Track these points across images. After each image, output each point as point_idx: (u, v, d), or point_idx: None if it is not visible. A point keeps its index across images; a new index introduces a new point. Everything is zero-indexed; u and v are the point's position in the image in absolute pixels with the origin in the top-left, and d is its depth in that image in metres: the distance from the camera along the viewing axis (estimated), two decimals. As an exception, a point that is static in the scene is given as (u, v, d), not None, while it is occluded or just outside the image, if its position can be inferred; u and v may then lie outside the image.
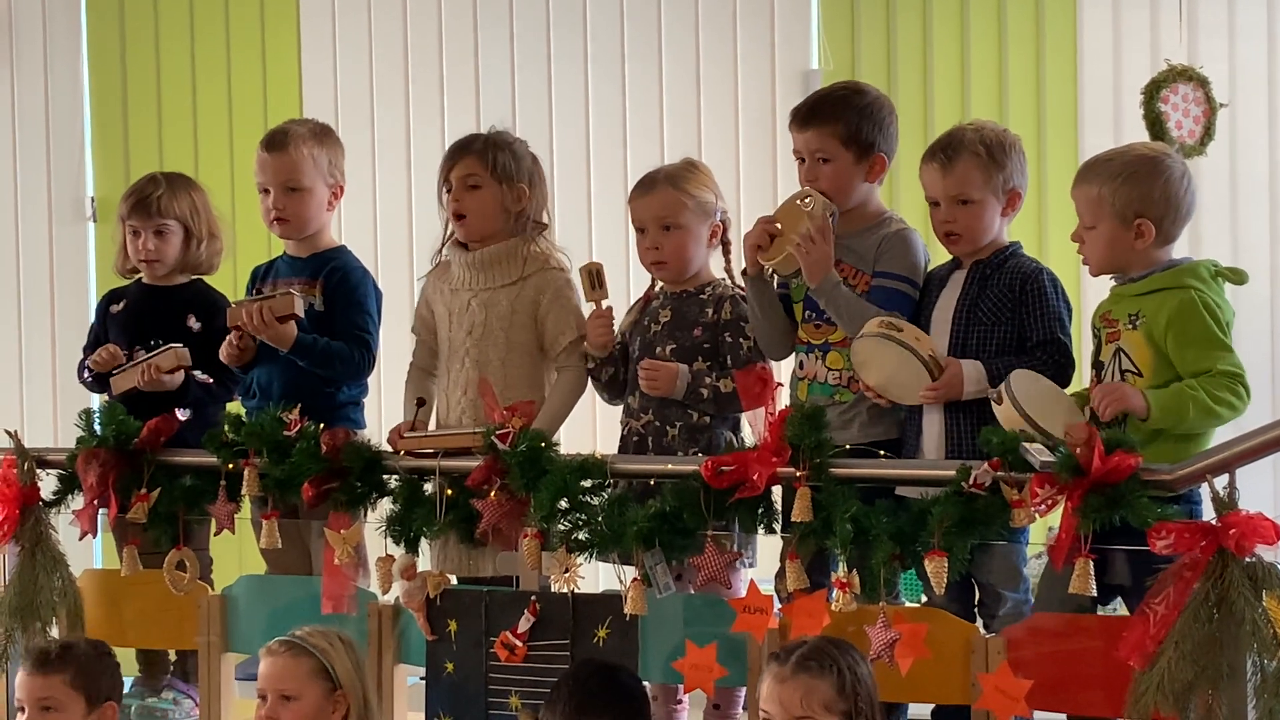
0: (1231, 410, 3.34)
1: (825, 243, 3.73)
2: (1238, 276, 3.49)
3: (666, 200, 3.98)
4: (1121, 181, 3.47)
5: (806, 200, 3.76)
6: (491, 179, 4.14)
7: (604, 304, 4.05)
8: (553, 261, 4.17)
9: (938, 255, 3.89)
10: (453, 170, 4.17)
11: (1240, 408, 3.34)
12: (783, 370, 3.97)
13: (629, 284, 4.60)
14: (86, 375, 4.61)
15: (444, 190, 4.19)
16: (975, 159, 3.68)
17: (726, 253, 4.09)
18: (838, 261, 3.79)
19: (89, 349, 4.63)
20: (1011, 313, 3.66)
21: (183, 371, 4.37)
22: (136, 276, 4.65)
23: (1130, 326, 3.45)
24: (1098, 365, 3.52)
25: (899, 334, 3.59)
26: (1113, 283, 3.58)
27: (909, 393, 3.62)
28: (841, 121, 3.82)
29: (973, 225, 3.70)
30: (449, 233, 4.25)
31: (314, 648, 3.64)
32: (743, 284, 4.00)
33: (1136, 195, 3.47)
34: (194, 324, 4.52)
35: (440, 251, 4.27)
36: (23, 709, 3.78)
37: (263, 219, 4.41)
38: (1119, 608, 3.58)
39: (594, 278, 4.04)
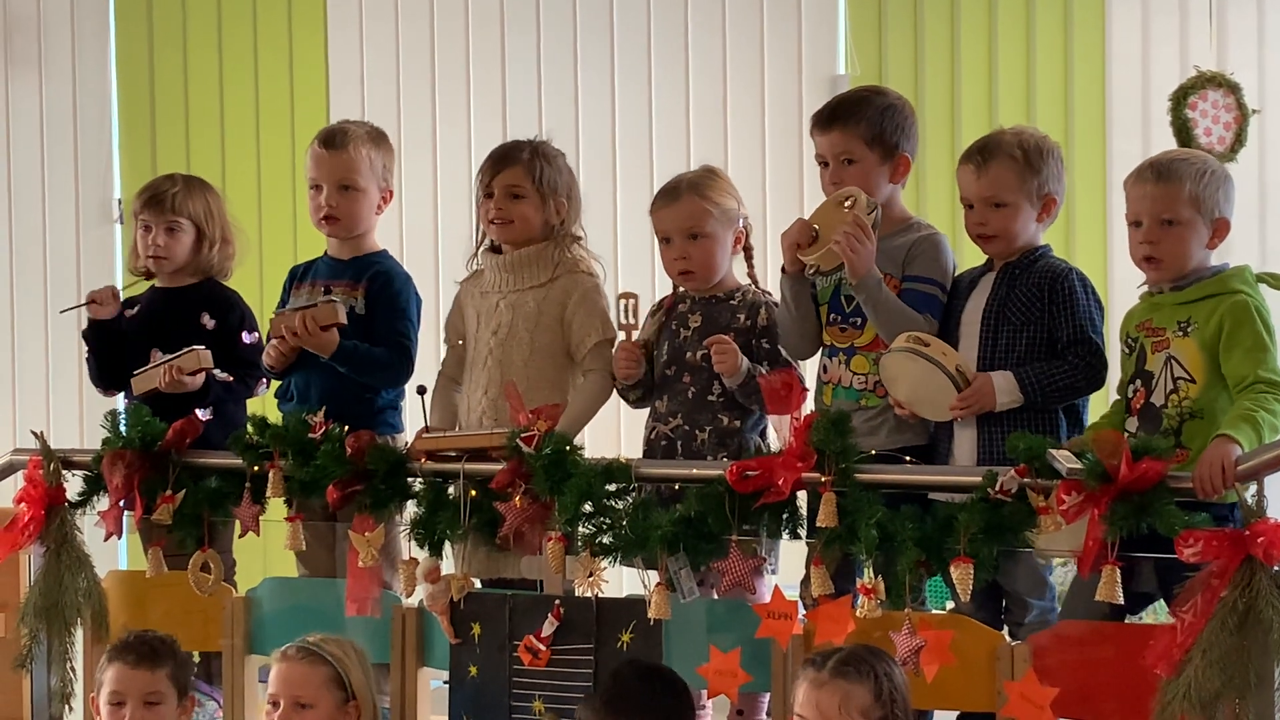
0: None
1: (870, 239, 3.70)
2: (1277, 281, 3.47)
3: (692, 210, 3.96)
4: (1208, 181, 3.44)
5: (849, 201, 3.73)
6: (535, 191, 4.11)
7: (634, 335, 4.02)
8: (583, 266, 4.14)
9: (965, 259, 3.87)
10: (495, 178, 4.13)
11: None
12: (806, 374, 3.96)
13: (654, 288, 4.59)
14: (94, 367, 4.62)
15: (485, 196, 4.15)
16: (1011, 162, 3.65)
17: (749, 258, 4.08)
18: (867, 264, 3.78)
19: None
20: (1041, 313, 3.62)
21: (203, 373, 4.37)
22: (151, 282, 4.65)
23: (1181, 334, 3.41)
24: (1145, 375, 3.46)
25: (925, 349, 3.56)
26: (1144, 289, 3.56)
27: (938, 408, 3.59)
28: (865, 122, 3.82)
29: (1006, 227, 3.67)
30: (482, 239, 4.22)
31: (330, 656, 3.64)
32: (767, 289, 3.99)
33: (1222, 195, 3.46)
34: (208, 322, 4.52)
35: (475, 256, 4.25)
36: (121, 702, 3.79)
37: (310, 216, 4.36)
38: (1147, 616, 3.56)
39: (626, 309, 3.99)
